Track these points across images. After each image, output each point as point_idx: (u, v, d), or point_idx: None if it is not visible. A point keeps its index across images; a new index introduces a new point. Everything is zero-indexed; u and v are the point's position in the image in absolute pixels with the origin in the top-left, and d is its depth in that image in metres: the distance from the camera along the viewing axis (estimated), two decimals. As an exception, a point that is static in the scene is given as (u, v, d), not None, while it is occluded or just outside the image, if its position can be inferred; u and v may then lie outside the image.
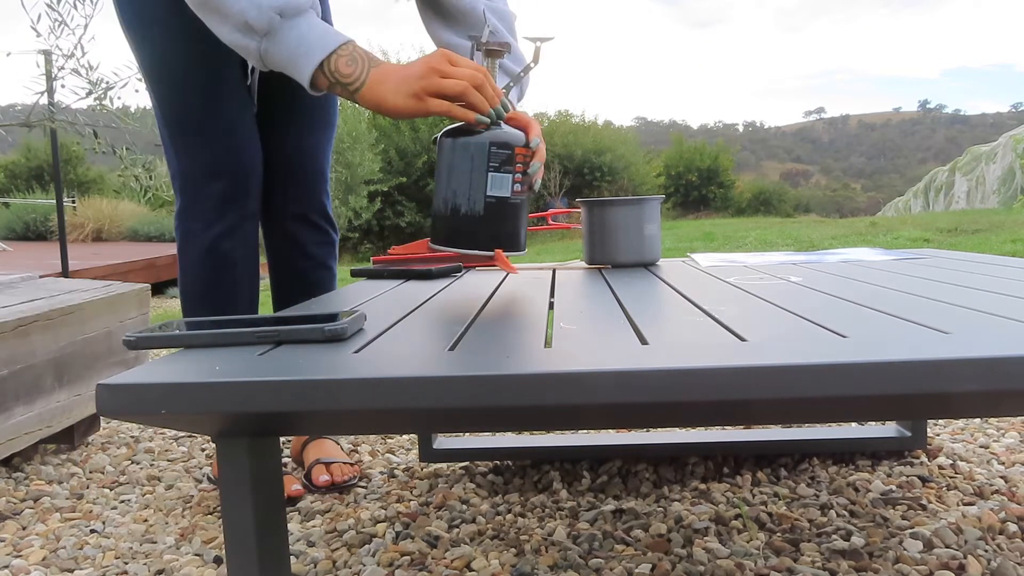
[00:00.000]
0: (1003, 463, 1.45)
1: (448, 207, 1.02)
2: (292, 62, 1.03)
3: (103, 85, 3.28)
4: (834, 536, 1.15)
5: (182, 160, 1.37)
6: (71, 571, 1.17)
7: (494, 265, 1.47)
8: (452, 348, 0.66)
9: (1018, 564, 1.05)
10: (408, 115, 1.03)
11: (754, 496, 1.32)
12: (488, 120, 1.01)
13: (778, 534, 1.17)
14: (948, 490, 1.32)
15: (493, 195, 1.01)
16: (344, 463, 1.46)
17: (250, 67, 1.41)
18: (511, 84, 1.13)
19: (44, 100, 3.48)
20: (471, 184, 1.01)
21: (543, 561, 1.11)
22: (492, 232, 1.03)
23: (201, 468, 1.62)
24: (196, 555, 1.20)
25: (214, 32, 1.09)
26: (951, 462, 1.44)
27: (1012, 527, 1.16)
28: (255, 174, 1.41)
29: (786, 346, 0.62)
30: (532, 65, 1.12)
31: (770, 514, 1.23)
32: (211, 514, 1.36)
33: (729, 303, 0.86)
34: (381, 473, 1.52)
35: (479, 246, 1.03)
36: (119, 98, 3.35)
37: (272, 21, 1.01)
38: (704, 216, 18.63)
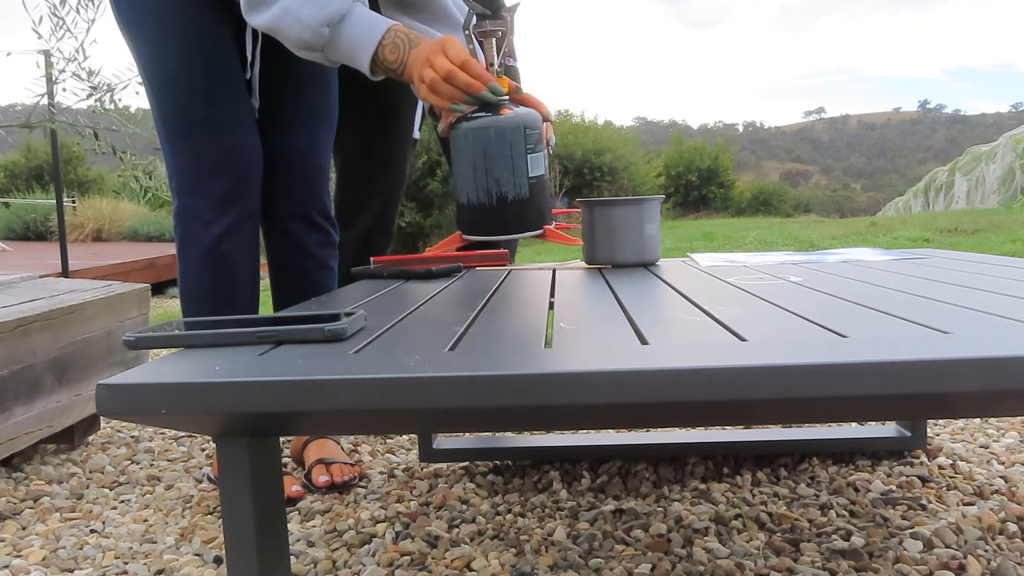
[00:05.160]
0: (1003, 463, 1.45)
1: (492, 197, 1.03)
2: (351, 60, 1.16)
3: (104, 88, 3.28)
4: (834, 536, 1.15)
5: (180, 159, 1.36)
6: (71, 571, 1.17)
7: (494, 264, 1.47)
8: (452, 348, 0.66)
9: (1018, 564, 1.05)
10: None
11: (754, 496, 1.32)
12: (474, 103, 1.04)
13: (778, 534, 1.17)
14: (948, 490, 1.32)
15: (535, 175, 1.03)
16: (344, 463, 1.46)
17: (248, 62, 1.41)
18: (503, 63, 1.15)
19: (44, 101, 3.48)
20: (514, 169, 1.03)
21: (543, 561, 1.11)
22: (538, 210, 1.05)
23: (201, 468, 1.62)
24: (196, 555, 1.20)
25: (286, 46, 1.20)
26: (951, 462, 1.44)
27: (1012, 527, 1.16)
28: (255, 173, 1.40)
29: (786, 346, 0.62)
30: (508, 34, 1.14)
31: (770, 514, 1.23)
32: (211, 514, 1.36)
33: (729, 303, 0.86)
34: (381, 473, 1.52)
35: (530, 227, 1.06)
36: (119, 100, 3.35)
37: (323, 35, 1.14)
38: (704, 216, 18.62)
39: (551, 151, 1.10)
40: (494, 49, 1.11)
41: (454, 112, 1.09)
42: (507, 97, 1.06)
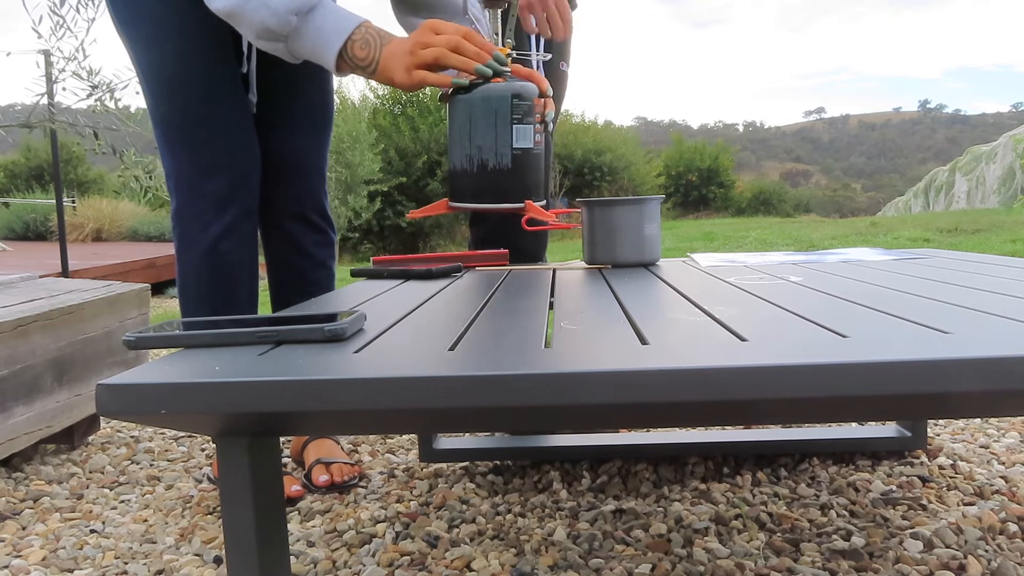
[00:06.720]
0: (1003, 463, 1.45)
1: (474, 163, 1.04)
2: (315, 53, 1.13)
3: (105, 87, 3.28)
4: (834, 536, 1.15)
5: (178, 159, 1.36)
6: (71, 571, 1.17)
7: (494, 264, 1.47)
8: (452, 348, 0.66)
9: (1018, 564, 1.05)
10: (408, 89, 1.10)
11: (754, 496, 1.32)
12: (487, 73, 1.03)
13: (778, 534, 1.17)
14: (948, 490, 1.32)
15: (519, 147, 1.03)
16: (344, 463, 1.46)
17: (244, 56, 1.40)
18: (509, 30, 1.15)
19: (44, 101, 3.49)
20: (497, 137, 1.03)
21: (543, 561, 1.11)
22: (520, 184, 1.05)
23: (201, 468, 1.62)
24: (196, 555, 1.20)
25: (243, 35, 1.16)
26: (951, 462, 1.44)
27: (1012, 527, 1.16)
28: (253, 173, 1.40)
29: (786, 346, 0.62)
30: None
31: (770, 514, 1.23)
32: (211, 514, 1.36)
33: (729, 303, 0.86)
34: (381, 473, 1.52)
35: (509, 199, 1.06)
36: (119, 100, 3.35)
37: (290, 23, 1.10)
38: (704, 216, 18.64)
39: (551, 128, 1.10)
40: (499, 19, 1.11)
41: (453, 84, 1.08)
42: (507, 69, 1.06)
